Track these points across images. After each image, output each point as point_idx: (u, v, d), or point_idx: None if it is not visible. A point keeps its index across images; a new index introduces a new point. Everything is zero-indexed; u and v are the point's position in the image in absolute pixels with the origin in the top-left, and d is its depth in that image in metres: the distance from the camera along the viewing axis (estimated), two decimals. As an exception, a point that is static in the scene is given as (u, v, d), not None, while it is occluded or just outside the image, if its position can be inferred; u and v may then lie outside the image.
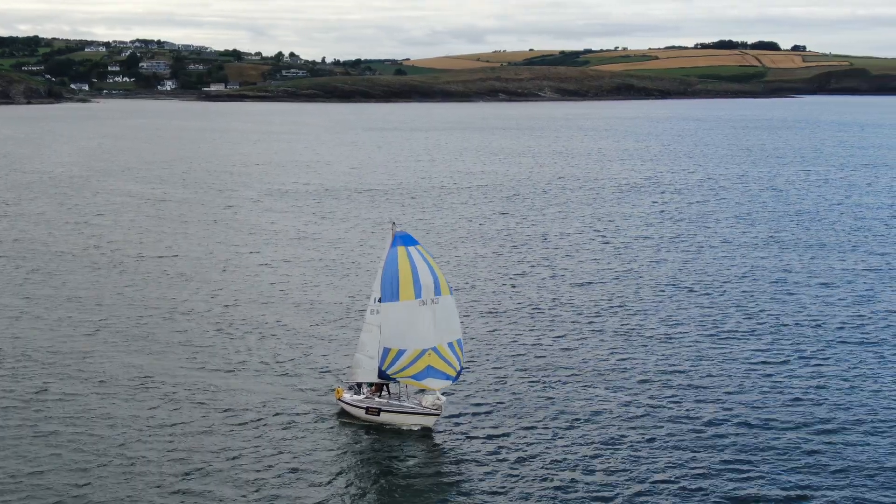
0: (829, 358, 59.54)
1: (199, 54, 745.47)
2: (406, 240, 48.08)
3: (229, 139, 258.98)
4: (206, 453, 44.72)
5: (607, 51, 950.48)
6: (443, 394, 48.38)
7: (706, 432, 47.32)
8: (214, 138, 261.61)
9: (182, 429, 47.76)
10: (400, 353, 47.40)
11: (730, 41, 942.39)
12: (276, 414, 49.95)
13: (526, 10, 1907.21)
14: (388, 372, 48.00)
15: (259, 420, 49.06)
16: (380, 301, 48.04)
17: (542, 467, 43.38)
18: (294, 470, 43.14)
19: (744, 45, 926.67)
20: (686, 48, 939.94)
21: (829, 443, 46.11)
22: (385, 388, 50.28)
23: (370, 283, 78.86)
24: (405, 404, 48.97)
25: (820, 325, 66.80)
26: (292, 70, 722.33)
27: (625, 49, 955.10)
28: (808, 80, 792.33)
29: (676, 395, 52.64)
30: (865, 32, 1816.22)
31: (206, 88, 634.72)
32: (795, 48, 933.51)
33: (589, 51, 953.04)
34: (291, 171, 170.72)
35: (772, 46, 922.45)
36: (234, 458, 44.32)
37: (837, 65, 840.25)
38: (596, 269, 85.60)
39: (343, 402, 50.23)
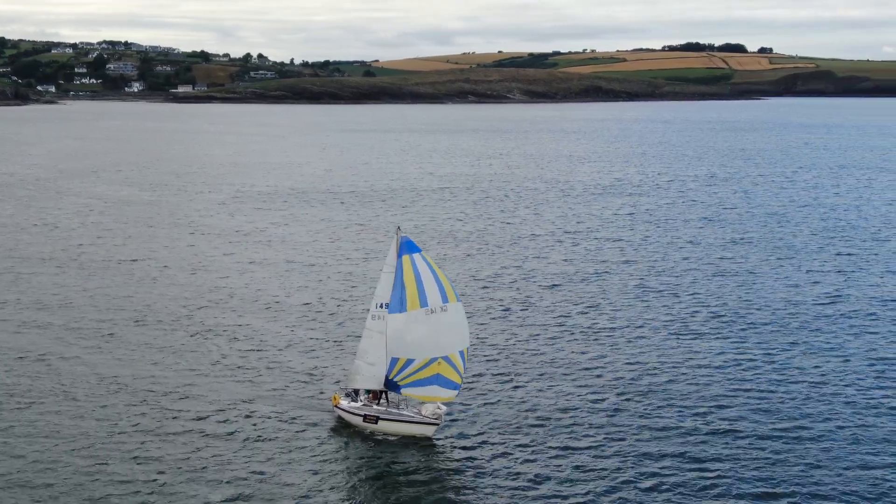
0: (794, 357, 60.19)
1: (166, 55, 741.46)
2: (411, 247, 47.43)
3: (198, 141, 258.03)
4: (198, 460, 44.20)
5: (575, 53, 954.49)
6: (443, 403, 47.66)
7: (676, 432, 47.78)
8: (183, 140, 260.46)
9: (173, 436, 47.11)
10: (408, 362, 46.66)
11: (697, 43, 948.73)
12: (270, 420, 49.29)
13: (494, 12, 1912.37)
14: (396, 379, 47.12)
15: (252, 427, 48.41)
16: (381, 307, 47.71)
17: (544, 478, 42.76)
18: (288, 479, 42.53)
19: (711, 48, 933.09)
20: (654, 50, 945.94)
21: (796, 438, 46.69)
22: (384, 395, 49.15)
23: (352, 285, 79.61)
24: (404, 413, 47.91)
25: (786, 325, 67.50)
26: (260, 71, 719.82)
27: (593, 51, 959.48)
28: (775, 82, 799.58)
29: (644, 395, 53.06)
30: (831, 35, 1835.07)
31: (173, 90, 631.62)
32: (762, 50, 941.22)
33: (557, 53, 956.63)
34: (261, 173, 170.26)
35: (739, 49, 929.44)
36: (226, 465, 43.80)
37: (803, 67, 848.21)
38: (567, 271, 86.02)
39: (340, 408, 49.25)
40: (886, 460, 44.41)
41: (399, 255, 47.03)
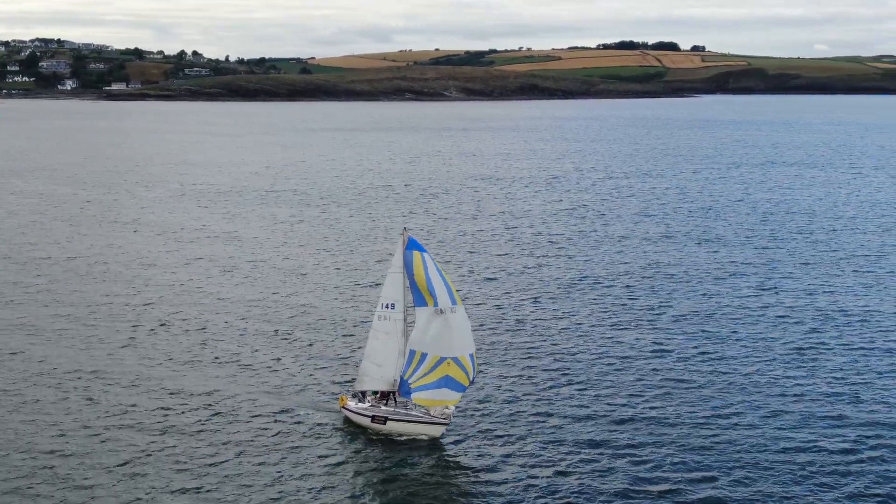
0: (726, 348, 62.80)
1: (99, 53, 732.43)
2: (419, 246, 47.37)
3: (134, 139, 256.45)
4: (202, 461, 44.22)
5: (512, 51, 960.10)
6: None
7: (605, 420, 50.04)
8: (119, 139, 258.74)
9: (177, 436, 47.12)
10: (423, 356, 46.57)
11: (631, 42, 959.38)
12: (276, 422, 49.12)
13: (433, 10, 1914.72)
14: (409, 381, 46.96)
15: (258, 428, 48.27)
16: (388, 307, 47.98)
17: (554, 477, 42.82)
18: (295, 480, 42.47)
19: (645, 46, 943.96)
20: (589, 49, 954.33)
21: (729, 428, 49.12)
22: (391, 396, 48.87)
23: (355, 284, 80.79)
24: (412, 413, 47.59)
25: (715, 317, 70.17)
26: (195, 69, 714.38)
27: (529, 49, 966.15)
28: (707, 80, 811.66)
29: (583, 389, 55.32)
30: (763, 32, 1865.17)
31: (107, 88, 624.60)
32: (695, 48, 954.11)
33: (494, 51, 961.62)
34: (199, 171, 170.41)
35: (672, 47, 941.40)
36: (231, 467, 43.78)
37: (735, 65, 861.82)
38: (505, 265, 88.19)
39: (347, 410, 48.94)
40: (807, 443, 46.74)
41: (409, 249, 47.08)
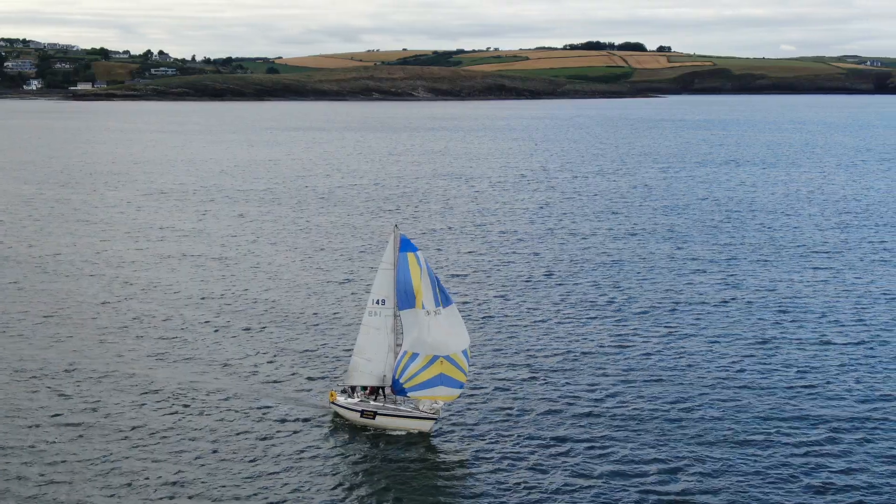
0: (690, 342, 64.11)
1: (65, 53, 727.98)
2: (411, 245, 47.45)
3: (100, 139, 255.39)
4: (191, 459, 44.21)
5: (479, 51, 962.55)
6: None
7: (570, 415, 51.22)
8: (85, 139, 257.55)
9: (165, 433, 47.11)
10: (414, 356, 46.84)
11: (598, 42, 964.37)
12: (265, 418, 49.19)
13: (399, 10, 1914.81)
14: (401, 380, 47.17)
15: (247, 424, 48.30)
16: (378, 303, 48.22)
17: (541, 472, 43.24)
18: (285, 476, 42.58)
19: (611, 46, 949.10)
20: (556, 49, 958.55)
21: (695, 421, 50.42)
22: (380, 391, 49.21)
23: (342, 282, 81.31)
24: (401, 408, 47.92)
25: (679, 311, 71.55)
26: (161, 68, 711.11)
27: (496, 50, 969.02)
28: (673, 80, 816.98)
29: (559, 375, 56.48)
30: (729, 33, 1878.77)
31: (73, 88, 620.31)
32: (661, 49, 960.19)
33: (461, 51, 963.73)
34: (166, 170, 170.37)
35: (638, 47, 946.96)
36: (220, 463, 43.80)
37: (701, 65, 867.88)
38: (472, 261, 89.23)
39: (336, 405, 49.09)
40: (768, 436, 48.04)
41: (402, 251, 47.18)
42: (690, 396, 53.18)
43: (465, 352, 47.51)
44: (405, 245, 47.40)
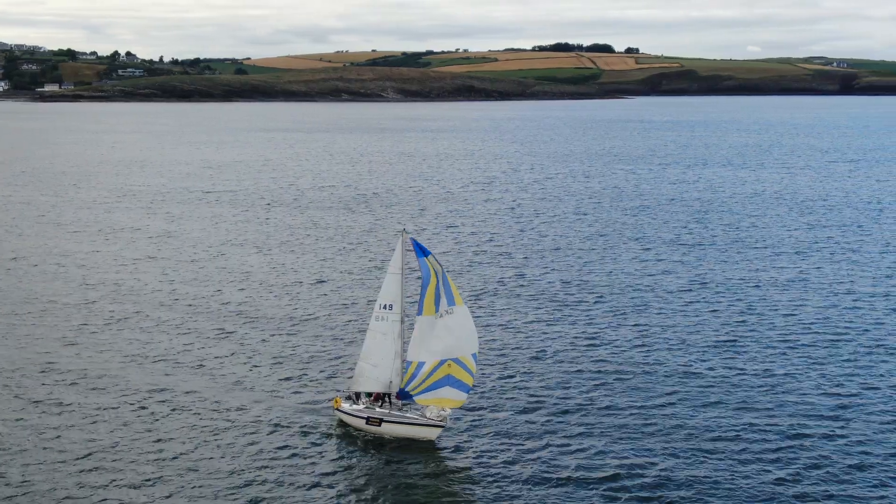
0: (659, 340, 65.08)
1: (32, 54, 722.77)
2: (425, 249, 47.06)
3: (68, 140, 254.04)
4: (194, 467, 43.94)
5: (448, 52, 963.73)
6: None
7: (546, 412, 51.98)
8: (53, 140, 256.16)
9: (169, 441, 46.83)
10: (420, 364, 46.74)
11: (566, 44, 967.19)
12: (269, 425, 48.89)
13: (369, 10, 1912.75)
14: (409, 388, 47.06)
15: (251, 432, 47.99)
16: (385, 308, 47.84)
17: (550, 482, 42.85)
18: (290, 485, 42.32)
19: (580, 48, 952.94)
20: (524, 50, 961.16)
21: (665, 417, 51.35)
22: (386, 397, 48.69)
23: (349, 288, 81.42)
24: (407, 415, 47.34)
25: (648, 311, 72.53)
26: (129, 69, 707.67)
27: (466, 51, 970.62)
28: (641, 82, 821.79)
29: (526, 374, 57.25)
30: (697, 34, 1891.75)
31: (40, 89, 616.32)
32: (629, 50, 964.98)
33: (431, 52, 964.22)
34: (135, 172, 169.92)
35: (606, 49, 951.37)
36: (224, 472, 43.53)
37: (668, 66, 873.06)
38: (443, 263, 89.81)
39: (341, 412, 48.60)
40: (737, 432, 49.09)
41: (420, 257, 46.78)
42: (661, 394, 54.00)
43: (474, 355, 47.18)
44: (420, 250, 46.83)
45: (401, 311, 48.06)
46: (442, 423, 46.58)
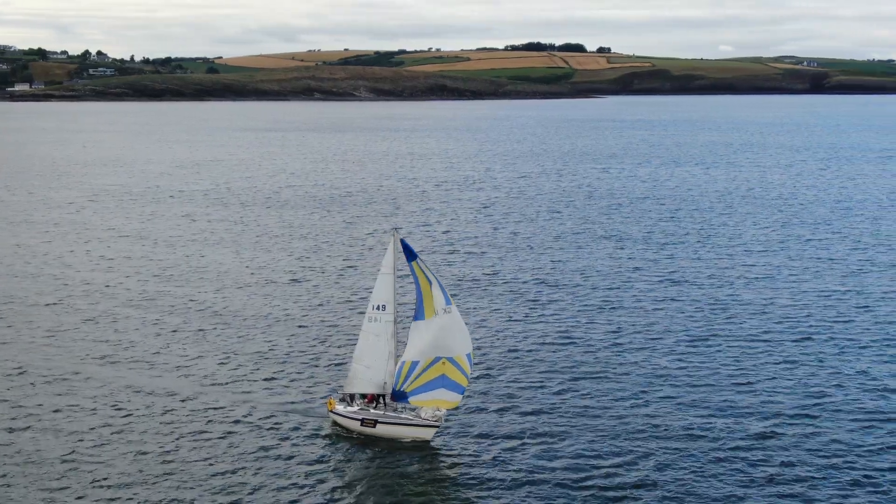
0: (631, 338, 65.65)
1: (2, 53, 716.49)
2: (414, 252, 46.76)
3: (39, 140, 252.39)
4: (189, 470, 43.65)
5: (421, 51, 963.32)
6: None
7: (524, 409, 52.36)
8: (24, 140, 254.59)
9: (163, 444, 46.46)
10: (414, 364, 46.45)
11: (538, 43, 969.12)
12: (263, 428, 48.55)
13: (338, 10, 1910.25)
14: (403, 387, 46.72)
15: (245, 435, 47.61)
16: (378, 309, 47.49)
17: (544, 482, 42.83)
18: (285, 488, 41.99)
19: (552, 48, 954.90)
20: (497, 50, 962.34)
21: (638, 416, 51.86)
22: (381, 398, 48.45)
23: (340, 289, 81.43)
24: (403, 416, 47.06)
25: (620, 309, 73.12)
26: (100, 69, 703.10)
27: (438, 50, 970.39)
28: (613, 81, 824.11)
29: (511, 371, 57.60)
30: (668, 34, 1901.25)
31: (10, 89, 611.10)
32: (601, 50, 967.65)
33: (403, 51, 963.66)
34: (108, 171, 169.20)
35: (578, 48, 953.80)
36: (218, 475, 43.24)
37: (640, 66, 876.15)
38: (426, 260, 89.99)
39: (336, 413, 48.19)
40: (706, 431, 49.65)
41: (409, 261, 46.52)
42: (635, 393, 54.43)
43: (468, 355, 47.11)
44: (409, 254, 46.65)
45: (394, 312, 47.85)
46: (437, 424, 46.50)
